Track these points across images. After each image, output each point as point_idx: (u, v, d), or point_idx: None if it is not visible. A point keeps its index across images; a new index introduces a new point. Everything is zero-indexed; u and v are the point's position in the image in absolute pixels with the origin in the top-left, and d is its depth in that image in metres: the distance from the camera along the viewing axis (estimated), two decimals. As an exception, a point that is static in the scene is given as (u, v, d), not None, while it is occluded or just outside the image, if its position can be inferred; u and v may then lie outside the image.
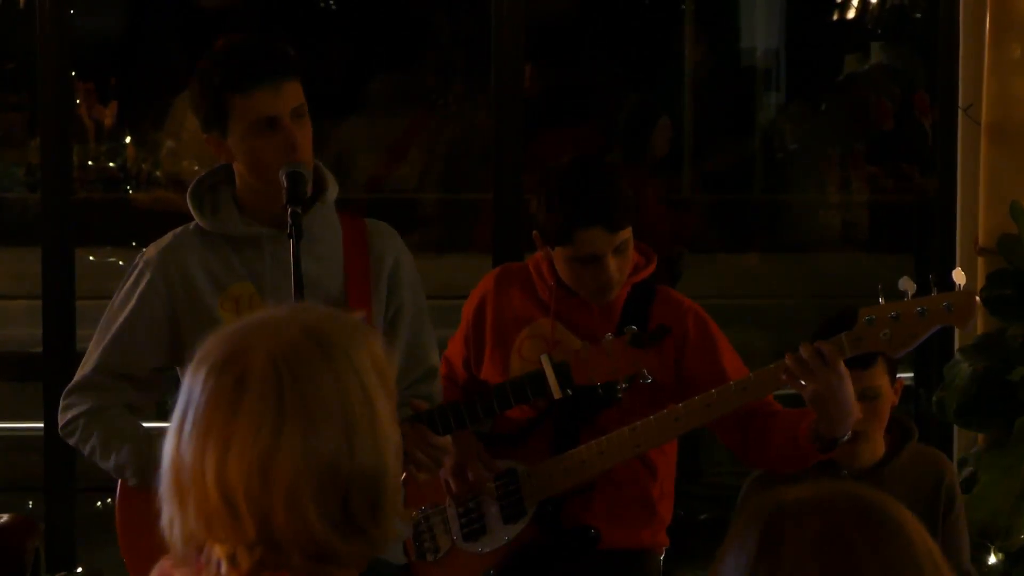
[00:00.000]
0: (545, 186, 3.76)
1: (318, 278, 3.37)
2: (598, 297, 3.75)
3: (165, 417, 3.15)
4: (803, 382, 3.51)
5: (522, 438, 3.84)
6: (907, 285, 3.53)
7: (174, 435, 1.94)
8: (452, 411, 3.53)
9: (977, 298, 3.57)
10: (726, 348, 3.84)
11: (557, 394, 3.50)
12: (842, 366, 3.51)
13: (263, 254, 3.42)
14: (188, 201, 3.46)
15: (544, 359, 3.51)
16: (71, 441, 3.50)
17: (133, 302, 3.44)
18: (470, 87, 7.03)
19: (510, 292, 3.90)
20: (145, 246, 3.56)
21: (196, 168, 3.64)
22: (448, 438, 3.48)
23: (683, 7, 7.31)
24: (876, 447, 3.89)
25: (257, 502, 1.88)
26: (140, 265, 3.48)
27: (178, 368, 3.42)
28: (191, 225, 3.48)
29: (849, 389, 3.53)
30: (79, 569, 5.09)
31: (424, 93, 7.35)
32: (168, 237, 3.49)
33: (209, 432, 1.90)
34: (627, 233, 3.69)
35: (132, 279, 3.47)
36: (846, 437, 3.58)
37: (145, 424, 3.57)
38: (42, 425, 4.99)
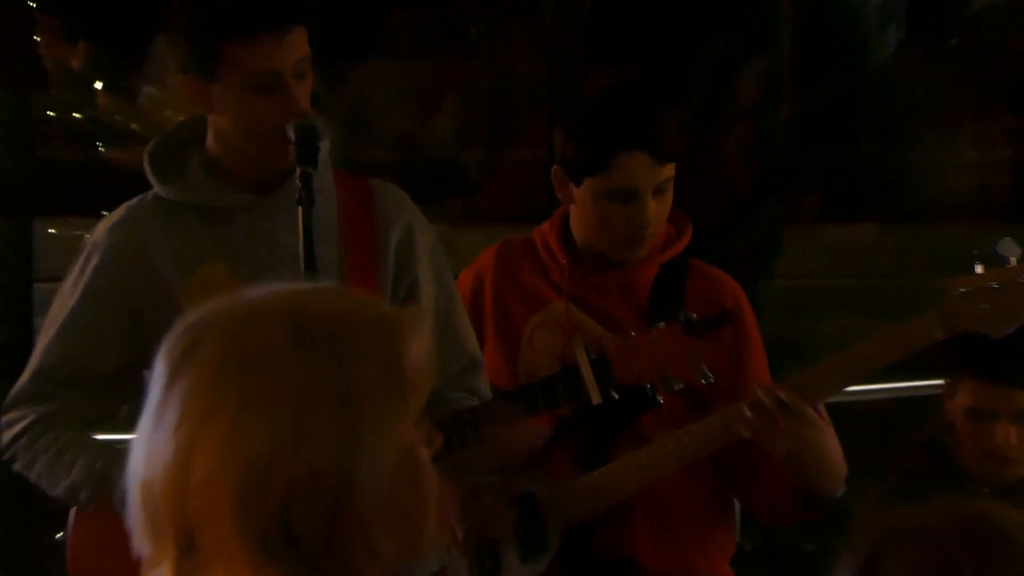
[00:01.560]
0: (577, 109, 3.71)
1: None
2: (627, 250, 3.64)
3: (127, 429, 3.08)
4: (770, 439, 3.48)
5: (542, 453, 3.70)
6: (1008, 249, 3.44)
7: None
8: (467, 419, 3.41)
9: None
10: (758, 344, 3.76)
11: (596, 398, 3.40)
12: (811, 412, 3.46)
13: (237, 227, 3.33)
14: (146, 164, 3.35)
15: (580, 352, 3.44)
16: (16, 467, 3.39)
17: (80, 294, 3.34)
18: (516, 22, 6.50)
19: (514, 271, 3.81)
20: None
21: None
22: (466, 456, 3.37)
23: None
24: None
25: (175, 504, 1.81)
26: (88, 248, 3.38)
27: (145, 372, 3.15)
28: (149, 195, 3.37)
29: (828, 439, 3.49)
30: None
31: (460, 30, 6.78)
32: (120, 211, 3.38)
33: (147, 414, 1.87)
34: (671, 171, 3.58)
35: (79, 266, 3.37)
36: (838, 494, 3.56)
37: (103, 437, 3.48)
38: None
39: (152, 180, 3.35)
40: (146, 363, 2.88)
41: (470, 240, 5.38)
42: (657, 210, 3.60)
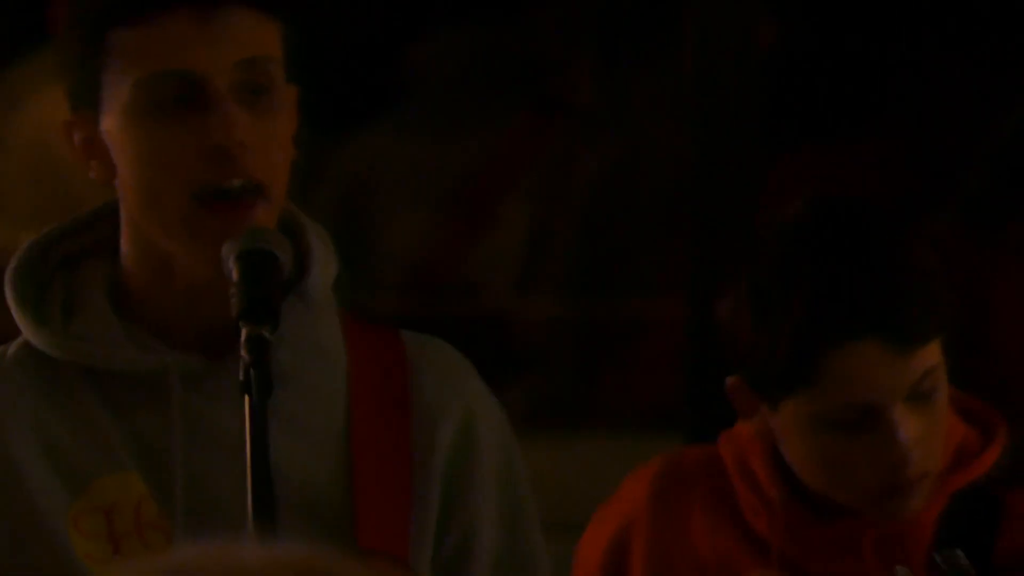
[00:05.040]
0: (759, 265, 3.05)
1: (291, 461, 2.61)
2: (886, 506, 2.99)
3: None
4: None
5: None
6: None
7: None
8: None
9: None
10: None
11: None
12: None
13: (167, 409, 2.70)
14: (9, 291, 2.75)
15: None
16: None
17: None
18: (635, 79, 5.32)
19: (684, 518, 3.11)
20: None
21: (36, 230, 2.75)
22: None
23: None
24: None
25: None
26: None
27: None
28: (12, 347, 2.76)
29: None
30: None
31: (529, 81, 5.47)
32: None
33: None
34: (935, 356, 2.94)
35: None
36: None
37: None
38: None
39: (19, 319, 2.74)
40: None
41: (548, 452, 4.53)
42: (924, 427, 3.04)
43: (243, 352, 2.47)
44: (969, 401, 3.13)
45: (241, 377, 2.45)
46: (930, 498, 3.05)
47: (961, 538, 3.07)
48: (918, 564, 3.05)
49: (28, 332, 2.71)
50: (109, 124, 2.62)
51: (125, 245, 2.69)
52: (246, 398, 2.46)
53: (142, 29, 2.57)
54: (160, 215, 2.62)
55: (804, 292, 2.98)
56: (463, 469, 2.81)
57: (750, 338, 2.98)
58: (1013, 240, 4.91)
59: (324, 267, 2.69)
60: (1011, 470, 3.16)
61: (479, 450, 2.82)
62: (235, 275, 2.50)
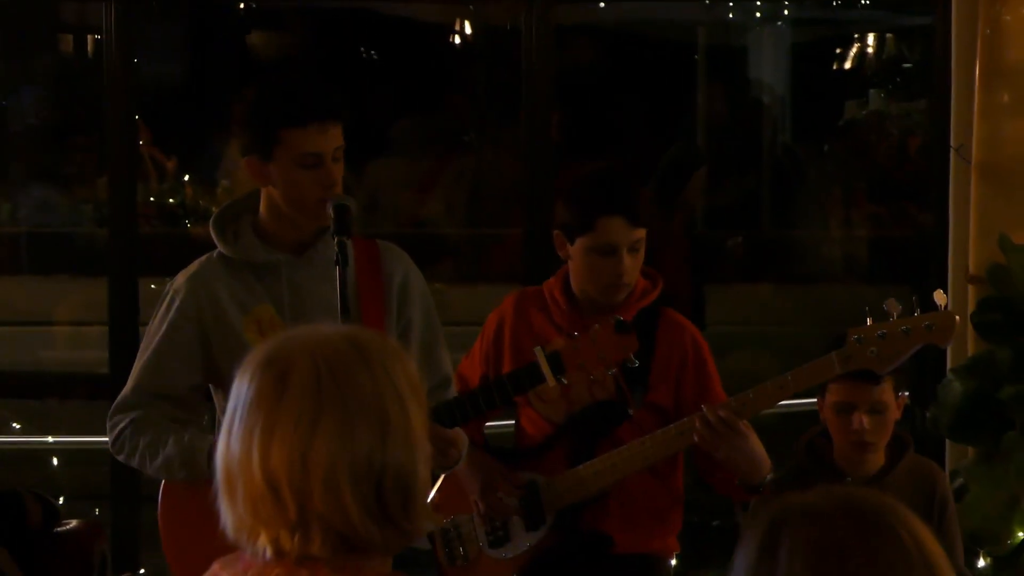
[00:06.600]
0: (573, 184, 3.79)
1: (332, 299, 3.34)
2: (609, 294, 3.74)
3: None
4: (714, 448, 3.63)
5: (541, 453, 3.90)
6: (892, 307, 3.63)
7: (224, 432, 2.00)
8: (456, 405, 3.53)
9: (957, 318, 3.73)
10: (715, 372, 3.90)
11: (551, 381, 3.48)
12: (741, 426, 3.61)
13: (281, 279, 3.44)
14: (211, 230, 3.49)
15: (538, 351, 3.49)
16: (121, 457, 3.51)
17: (166, 327, 3.47)
18: (499, 130, 7.03)
19: (528, 314, 3.90)
20: None
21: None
22: (456, 431, 3.48)
23: (696, 58, 7.67)
24: (879, 457, 4.02)
25: (298, 486, 1.93)
26: (170, 292, 3.50)
27: (211, 386, 3.52)
28: (214, 253, 3.51)
29: (753, 444, 3.63)
30: (142, 571, 5.33)
31: (453, 135, 7.37)
32: (194, 265, 3.52)
33: (255, 423, 1.95)
34: (643, 234, 3.70)
35: (164, 306, 3.49)
36: (768, 478, 3.71)
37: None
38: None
39: (216, 242, 3.48)
40: (213, 380, 3.31)
41: (454, 296, 5.65)
42: (631, 264, 3.70)
43: (336, 248, 3.16)
44: (646, 269, 3.80)
45: (336, 259, 3.16)
46: (631, 309, 3.72)
47: (641, 327, 3.65)
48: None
49: (220, 246, 3.41)
50: (275, 169, 3.30)
51: (264, 208, 3.37)
52: (337, 268, 3.18)
53: (297, 130, 3.27)
54: (296, 207, 3.32)
55: (585, 198, 3.72)
56: (405, 295, 3.47)
57: (562, 216, 3.75)
58: (681, 200, 6.35)
59: (355, 216, 3.30)
60: (667, 301, 3.88)
61: (412, 288, 3.48)
62: (332, 214, 3.22)
